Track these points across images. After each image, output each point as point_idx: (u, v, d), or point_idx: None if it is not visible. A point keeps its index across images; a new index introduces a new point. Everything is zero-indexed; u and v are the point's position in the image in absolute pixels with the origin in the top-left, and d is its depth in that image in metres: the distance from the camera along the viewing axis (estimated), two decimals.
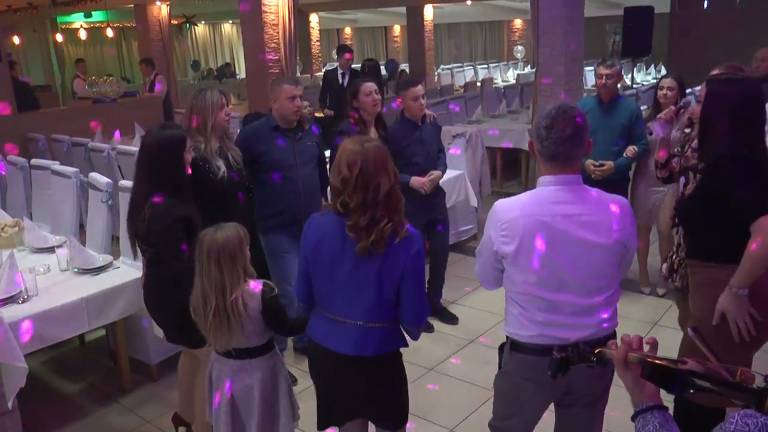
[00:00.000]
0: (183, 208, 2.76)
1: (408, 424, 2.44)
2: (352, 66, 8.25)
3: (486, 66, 16.63)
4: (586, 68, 8.36)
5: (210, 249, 2.38)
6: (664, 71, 13.33)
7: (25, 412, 3.04)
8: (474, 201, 5.75)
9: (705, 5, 10.29)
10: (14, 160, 5.62)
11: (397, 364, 2.32)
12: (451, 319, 4.46)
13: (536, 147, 2.10)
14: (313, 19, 18.05)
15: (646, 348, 1.41)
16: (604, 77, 4.40)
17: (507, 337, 2.22)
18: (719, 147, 2.35)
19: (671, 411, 2.56)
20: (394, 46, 21.33)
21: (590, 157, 4.17)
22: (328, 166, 3.73)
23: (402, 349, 2.29)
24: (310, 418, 2.72)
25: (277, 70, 7.81)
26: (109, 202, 4.16)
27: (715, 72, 3.07)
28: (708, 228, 2.41)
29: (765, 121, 2.44)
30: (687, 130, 3.21)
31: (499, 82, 13.82)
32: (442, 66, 17.15)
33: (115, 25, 16.73)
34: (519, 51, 17.25)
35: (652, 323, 4.26)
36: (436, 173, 4.18)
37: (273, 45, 7.73)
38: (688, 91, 4.53)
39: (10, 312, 3.13)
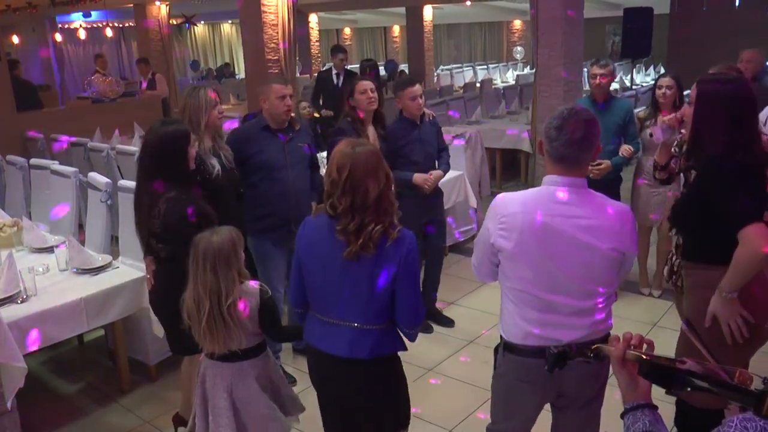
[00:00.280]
0: (195, 203, 2.75)
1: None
2: (350, 67, 8.23)
3: (485, 67, 16.65)
4: (586, 69, 8.36)
5: (206, 253, 2.36)
6: (663, 72, 13.34)
7: (24, 412, 3.04)
8: (473, 201, 5.75)
9: (704, 7, 10.29)
10: (13, 160, 5.62)
11: (395, 367, 2.30)
12: (447, 322, 4.45)
13: (545, 147, 2.09)
14: (313, 19, 18.05)
15: (643, 348, 1.41)
16: (598, 77, 4.39)
17: (501, 337, 2.22)
18: (713, 148, 2.31)
19: (672, 414, 2.58)
20: (394, 46, 21.35)
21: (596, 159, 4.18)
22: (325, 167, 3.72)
23: (402, 351, 2.28)
24: (309, 418, 2.73)
25: (277, 71, 7.81)
26: (108, 202, 4.16)
27: (711, 72, 3.07)
28: (700, 230, 2.41)
29: (758, 121, 2.41)
30: (683, 131, 3.20)
31: (498, 82, 13.83)
32: (441, 67, 17.17)
33: (115, 24, 16.72)
34: (518, 52, 17.26)
35: (651, 324, 4.26)
36: (437, 172, 4.19)
37: (272, 45, 7.73)
38: (686, 93, 4.53)
39: (9, 312, 3.13)
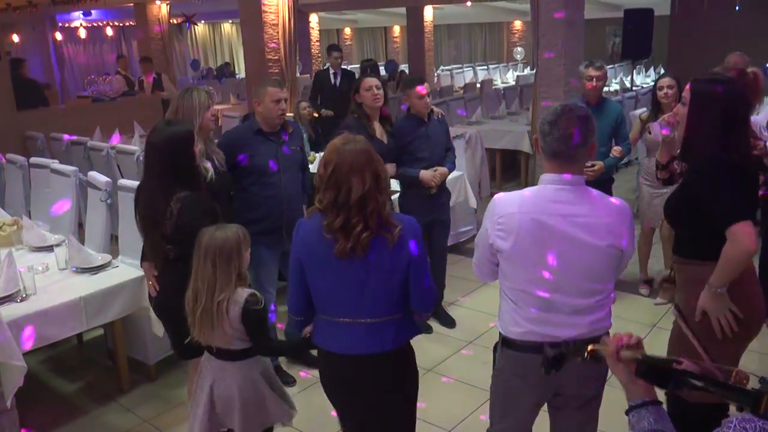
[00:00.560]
0: (207, 201, 2.75)
1: None
2: (350, 67, 8.22)
3: (486, 67, 16.64)
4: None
5: (208, 247, 2.39)
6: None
7: (23, 411, 3.04)
8: (473, 202, 5.75)
9: (705, 8, 10.29)
10: (13, 158, 5.61)
11: (413, 355, 2.31)
12: (449, 322, 4.46)
13: (540, 143, 2.10)
14: (313, 19, 18.05)
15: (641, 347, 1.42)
16: (594, 79, 4.37)
17: (499, 333, 2.22)
18: (707, 148, 2.31)
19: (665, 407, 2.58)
20: (394, 46, 21.34)
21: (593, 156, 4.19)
22: None
23: (419, 335, 2.28)
24: (309, 419, 2.72)
25: (277, 70, 7.81)
26: (108, 201, 4.15)
27: (716, 70, 3.08)
28: (692, 227, 2.43)
29: (749, 122, 2.43)
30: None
31: (498, 83, 13.83)
32: (441, 67, 17.16)
33: (115, 23, 16.71)
34: (519, 52, 17.25)
35: (651, 326, 4.26)
36: (442, 169, 4.19)
37: (273, 45, 7.74)
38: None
39: (9, 311, 3.13)
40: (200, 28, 19.57)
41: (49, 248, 3.99)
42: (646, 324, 4.27)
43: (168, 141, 2.74)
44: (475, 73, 15.63)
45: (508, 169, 8.28)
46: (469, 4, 15.80)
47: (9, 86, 7.63)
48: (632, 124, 5.17)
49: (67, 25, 15.74)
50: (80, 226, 4.63)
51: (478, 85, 12.12)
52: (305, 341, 2.42)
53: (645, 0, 10.78)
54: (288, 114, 4.23)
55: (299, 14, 8.44)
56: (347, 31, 21.84)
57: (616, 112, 4.51)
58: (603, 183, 4.28)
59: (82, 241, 4.14)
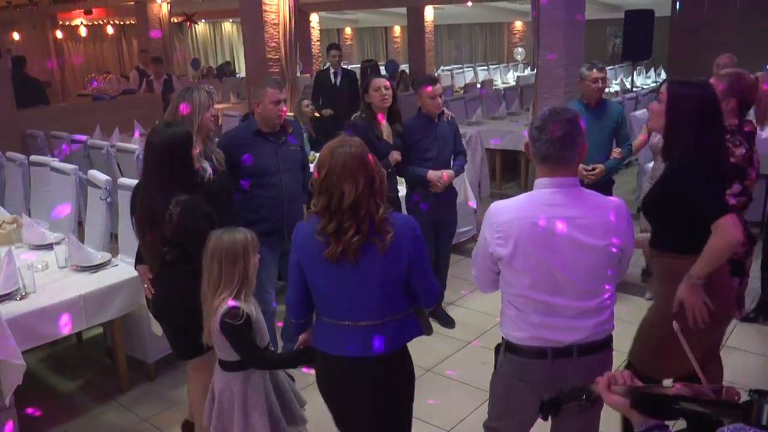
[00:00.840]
0: (205, 205, 2.75)
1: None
2: (351, 66, 8.21)
3: (486, 67, 16.64)
4: None
5: (214, 248, 2.41)
6: (664, 75, 13.36)
7: (22, 410, 3.04)
8: (473, 202, 5.75)
9: (705, 9, 10.30)
10: (13, 157, 5.61)
11: (410, 357, 2.30)
12: (448, 322, 4.46)
13: (530, 148, 2.11)
14: (314, 18, 18.05)
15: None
16: (600, 80, 4.36)
17: (502, 338, 2.22)
18: (685, 146, 2.40)
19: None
20: (395, 46, 21.33)
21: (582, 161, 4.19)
22: None
23: (419, 336, 2.28)
24: (310, 417, 2.72)
25: (277, 70, 7.81)
26: (108, 200, 4.15)
27: (723, 72, 3.08)
28: (669, 222, 2.49)
29: (723, 123, 2.55)
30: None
31: (499, 83, 13.83)
32: (442, 67, 17.15)
33: (115, 22, 16.71)
34: (519, 53, 17.27)
35: None
36: (449, 171, 4.19)
37: (273, 44, 7.73)
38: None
39: (8, 309, 3.13)
40: (201, 27, 19.57)
41: (49, 246, 3.99)
42: None
43: (167, 142, 2.71)
44: (476, 74, 15.62)
45: (507, 170, 8.29)
46: (469, 4, 15.81)
47: (9, 84, 7.63)
48: (632, 125, 5.17)
49: (67, 23, 15.74)
50: (80, 224, 4.63)
51: (479, 86, 12.12)
52: (296, 354, 2.41)
53: (645, 1, 10.80)
54: (288, 114, 4.23)
55: (300, 14, 8.44)
56: (348, 30, 21.85)
57: (616, 113, 4.50)
58: (603, 185, 4.28)
59: (81, 239, 4.13)
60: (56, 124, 7.51)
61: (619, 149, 4.41)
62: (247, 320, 2.40)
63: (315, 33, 18.08)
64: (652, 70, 14.33)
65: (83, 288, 3.44)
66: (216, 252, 2.40)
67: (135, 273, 3.56)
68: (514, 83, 13.42)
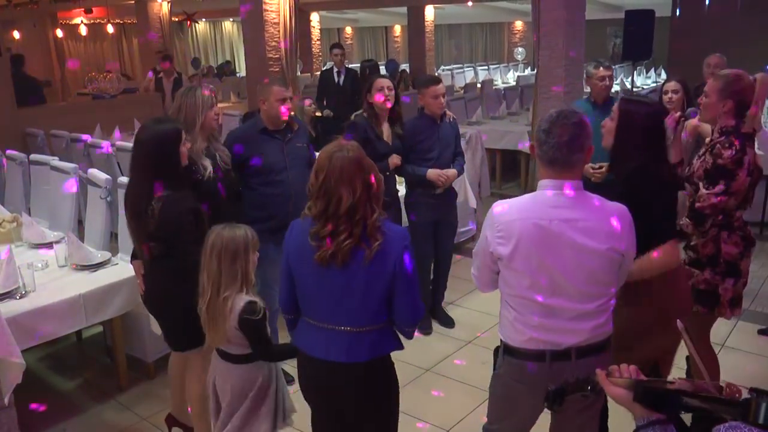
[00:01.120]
0: (190, 201, 2.76)
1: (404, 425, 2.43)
2: (351, 65, 8.22)
3: (486, 67, 16.64)
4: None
5: (214, 243, 2.41)
6: (664, 75, 13.36)
7: (21, 408, 3.04)
8: (473, 202, 5.75)
9: (705, 9, 10.30)
10: (13, 156, 5.61)
11: (392, 368, 2.28)
12: (448, 322, 4.46)
13: (536, 150, 2.10)
14: (314, 18, 18.05)
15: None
16: (606, 79, 4.38)
17: (501, 340, 2.22)
18: (632, 160, 2.52)
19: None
20: (395, 46, 21.34)
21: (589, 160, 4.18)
22: None
23: (399, 350, 2.26)
24: (308, 416, 2.73)
25: (277, 69, 7.81)
26: (108, 199, 4.15)
27: (722, 72, 3.08)
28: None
29: (665, 143, 2.69)
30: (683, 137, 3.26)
31: (499, 83, 13.82)
32: (442, 67, 17.15)
33: (116, 21, 16.70)
34: (519, 53, 17.26)
35: None
36: (452, 171, 4.19)
37: (273, 43, 7.73)
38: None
39: (8, 307, 3.13)
40: (201, 26, 19.57)
41: (49, 245, 3.99)
42: None
43: (154, 139, 2.76)
44: (476, 73, 15.61)
45: (508, 170, 8.29)
46: (470, 4, 15.82)
47: (9, 83, 7.63)
48: None
49: (67, 22, 15.74)
50: (80, 223, 4.63)
51: (479, 85, 12.11)
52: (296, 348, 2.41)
53: (646, 1, 10.78)
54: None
55: (300, 13, 8.42)
56: (348, 30, 21.85)
57: None
58: (610, 183, 4.27)
59: (81, 238, 4.14)
60: (56, 123, 7.51)
61: None
62: (264, 314, 2.43)
63: (315, 32, 18.09)
64: (652, 70, 14.33)
65: (83, 287, 3.44)
66: (215, 247, 2.40)
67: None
68: (514, 83, 13.42)
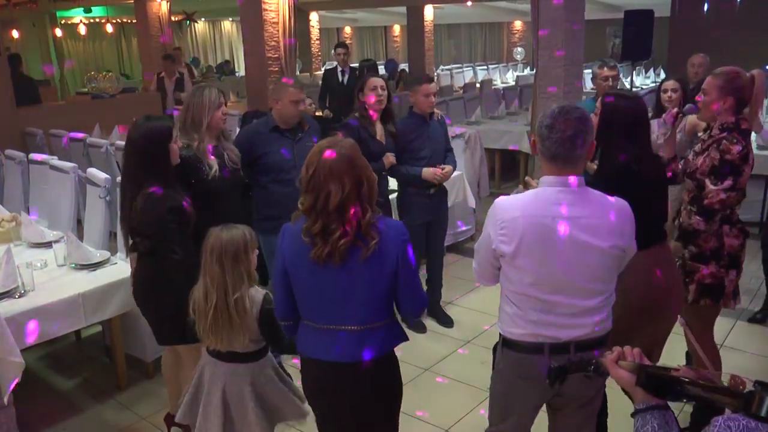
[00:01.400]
0: (174, 199, 2.75)
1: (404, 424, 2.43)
2: (351, 65, 8.21)
3: (485, 67, 16.64)
4: (586, 71, 8.36)
5: (213, 246, 2.40)
6: (663, 75, 13.37)
7: (20, 408, 3.03)
8: (472, 202, 5.74)
9: (705, 10, 10.31)
10: (12, 155, 5.60)
11: (397, 364, 2.28)
12: (446, 321, 4.46)
13: (538, 146, 2.10)
14: (313, 17, 18.05)
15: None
16: (610, 79, 4.46)
17: (500, 334, 2.22)
18: (614, 156, 2.54)
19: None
20: (394, 45, 21.34)
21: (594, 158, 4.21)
22: None
23: (398, 349, 2.25)
24: (309, 416, 2.73)
25: (277, 68, 7.81)
26: (107, 198, 4.15)
27: (720, 70, 3.08)
28: None
29: (649, 136, 2.67)
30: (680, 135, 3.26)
31: (498, 83, 13.82)
32: (441, 66, 17.15)
33: (115, 20, 16.70)
34: (519, 53, 17.25)
35: None
36: (448, 167, 4.21)
37: (273, 43, 7.73)
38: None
39: (7, 307, 3.13)
40: (200, 26, 19.56)
41: (48, 245, 3.99)
42: None
43: (143, 136, 2.78)
44: (475, 73, 15.62)
45: (507, 170, 8.29)
46: (469, 3, 15.81)
47: (8, 82, 7.62)
48: None
49: (66, 21, 15.73)
50: (79, 222, 4.63)
51: (478, 85, 12.12)
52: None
53: (645, 1, 10.80)
54: None
55: (299, 12, 8.43)
56: (347, 29, 21.85)
57: None
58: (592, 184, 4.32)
59: (80, 237, 4.13)
60: (55, 123, 7.50)
61: None
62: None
63: (314, 32, 18.10)
64: (652, 70, 14.34)
65: (82, 286, 3.44)
66: (215, 249, 2.39)
67: None
68: (513, 83, 13.41)
